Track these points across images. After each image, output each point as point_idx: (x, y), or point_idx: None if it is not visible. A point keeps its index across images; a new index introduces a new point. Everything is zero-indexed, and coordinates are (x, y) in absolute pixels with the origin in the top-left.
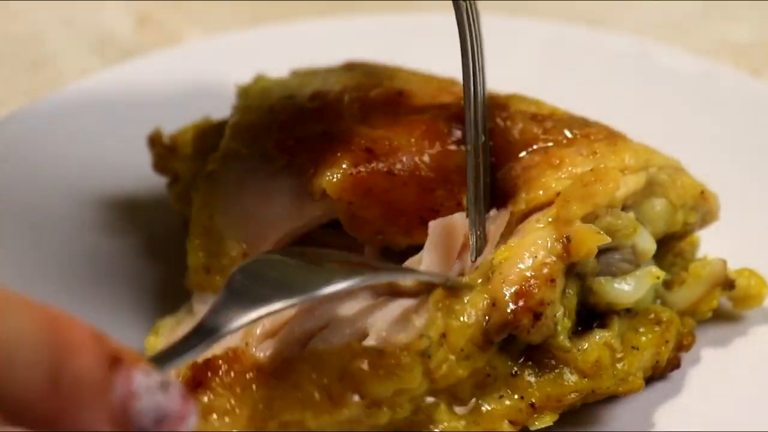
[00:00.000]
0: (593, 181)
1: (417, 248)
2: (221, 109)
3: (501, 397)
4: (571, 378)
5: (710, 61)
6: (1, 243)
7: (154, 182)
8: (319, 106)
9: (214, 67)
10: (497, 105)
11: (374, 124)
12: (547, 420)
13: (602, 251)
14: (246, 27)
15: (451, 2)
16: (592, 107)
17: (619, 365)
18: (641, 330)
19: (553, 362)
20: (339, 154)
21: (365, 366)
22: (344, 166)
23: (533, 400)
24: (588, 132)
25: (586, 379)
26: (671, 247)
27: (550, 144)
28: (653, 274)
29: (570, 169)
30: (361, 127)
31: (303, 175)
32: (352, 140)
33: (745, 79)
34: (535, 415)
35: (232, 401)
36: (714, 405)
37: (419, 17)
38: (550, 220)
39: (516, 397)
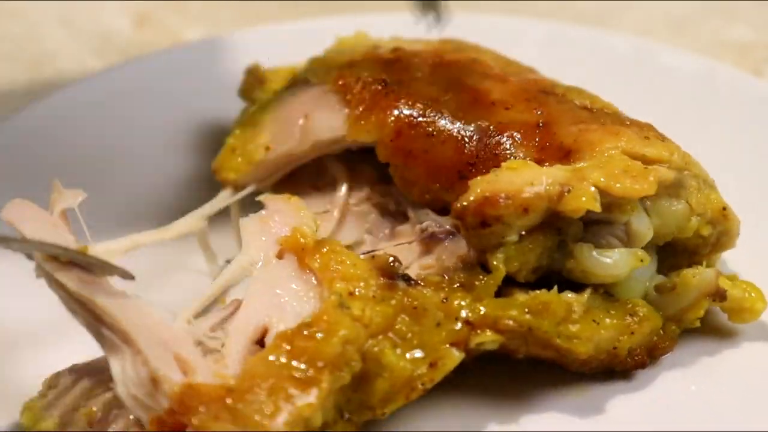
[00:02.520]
0: (633, 174)
1: None
2: (221, 108)
3: (438, 325)
4: (514, 308)
5: (711, 61)
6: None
7: (153, 181)
8: (393, 58)
9: (214, 67)
10: (552, 92)
11: (434, 83)
12: (489, 338)
13: (593, 221)
14: (246, 27)
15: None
16: None
17: (572, 326)
18: (611, 313)
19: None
20: (386, 114)
21: (306, 341)
22: (387, 131)
23: (468, 319)
24: (640, 123)
25: (527, 315)
26: (677, 256)
27: (603, 122)
28: (638, 256)
29: (624, 142)
30: (417, 84)
31: (347, 107)
32: (401, 98)
33: (746, 78)
34: (473, 332)
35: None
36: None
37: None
38: (571, 167)
39: (452, 320)
